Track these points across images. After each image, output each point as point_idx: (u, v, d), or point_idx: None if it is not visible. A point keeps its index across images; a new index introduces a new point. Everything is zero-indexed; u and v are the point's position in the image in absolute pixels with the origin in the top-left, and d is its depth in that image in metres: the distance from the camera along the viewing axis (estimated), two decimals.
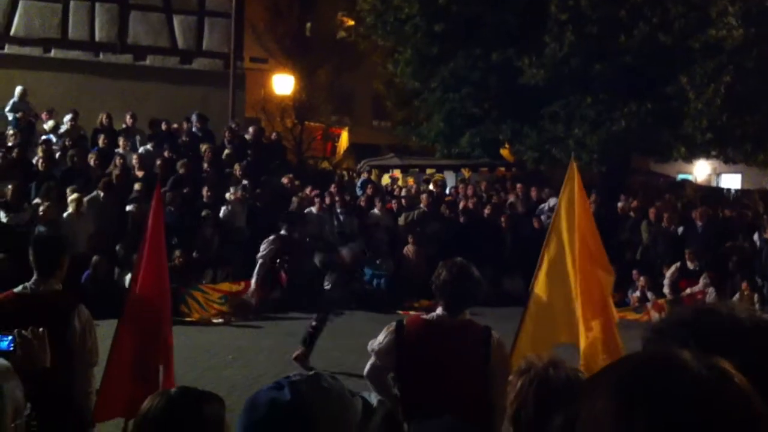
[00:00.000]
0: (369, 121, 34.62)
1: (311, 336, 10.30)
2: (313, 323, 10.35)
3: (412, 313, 12.69)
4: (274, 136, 21.29)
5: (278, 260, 11.00)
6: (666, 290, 15.61)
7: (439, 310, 4.43)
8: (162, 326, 5.64)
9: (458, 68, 21.13)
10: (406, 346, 4.36)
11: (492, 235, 16.82)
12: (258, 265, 11.13)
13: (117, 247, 14.32)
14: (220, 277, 14.95)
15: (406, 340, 4.38)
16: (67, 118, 18.13)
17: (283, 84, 28.08)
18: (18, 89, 18.56)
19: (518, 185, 19.65)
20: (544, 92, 19.76)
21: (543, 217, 17.32)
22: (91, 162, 16.15)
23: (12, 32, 21.33)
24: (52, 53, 21.53)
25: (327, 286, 11.39)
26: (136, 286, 5.62)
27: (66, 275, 4.91)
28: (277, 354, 10.75)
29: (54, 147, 16.64)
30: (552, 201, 17.14)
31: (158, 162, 16.46)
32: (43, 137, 17.25)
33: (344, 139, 33.51)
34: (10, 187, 13.93)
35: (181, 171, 16.26)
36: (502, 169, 25.18)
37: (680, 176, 31.71)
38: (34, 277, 4.73)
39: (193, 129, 18.88)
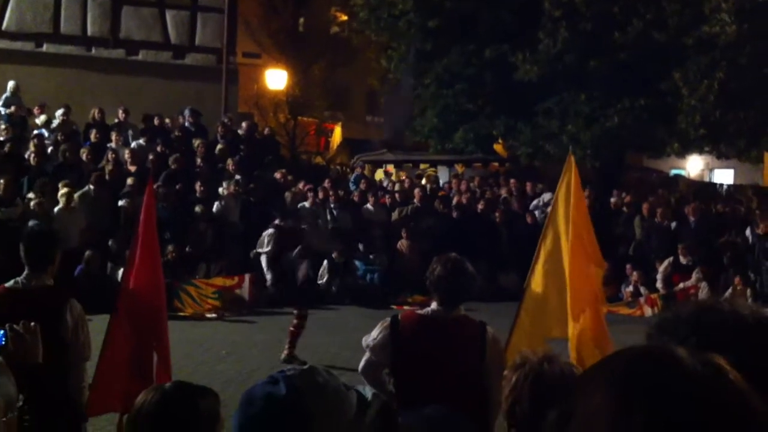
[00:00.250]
0: (362, 116, 34.61)
1: (293, 335, 10.32)
2: (294, 321, 10.38)
3: (406, 308, 12.70)
4: (267, 131, 21.28)
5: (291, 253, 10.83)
6: (659, 285, 15.65)
7: (433, 306, 4.42)
8: (157, 321, 5.62)
9: (452, 64, 21.13)
10: (401, 341, 4.35)
11: (486, 230, 16.83)
12: (264, 260, 10.93)
13: (109, 242, 14.29)
14: (213, 271, 14.93)
15: (400, 336, 4.37)
16: (59, 112, 18.06)
17: (277, 79, 28.05)
18: (10, 84, 18.48)
19: (512, 180, 19.67)
20: (538, 88, 19.78)
21: (537, 213, 17.34)
22: (84, 157, 16.10)
23: (3, 27, 21.23)
24: (44, 48, 21.44)
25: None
26: (129, 280, 5.60)
27: (58, 270, 4.89)
28: (270, 349, 10.74)
29: (46, 142, 16.59)
30: (546, 196, 17.17)
31: (151, 157, 16.42)
32: (35, 132, 17.19)
33: (337, 135, 33.50)
34: (2, 181, 13.88)
35: (173, 166, 16.23)
36: (496, 164, 25.21)
37: (673, 172, 31.80)
38: (26, 271, 4.71)
39: (186, 124, 18.84)
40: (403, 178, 22.06)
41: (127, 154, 16.48)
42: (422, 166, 25.41)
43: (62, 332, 4.57)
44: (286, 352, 10.30)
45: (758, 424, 1.01)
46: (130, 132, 18.21)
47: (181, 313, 13.18)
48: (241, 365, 10.13)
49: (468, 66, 20.90)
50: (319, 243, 11.08)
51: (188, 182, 15.97)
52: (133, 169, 16.00)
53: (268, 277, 10.98)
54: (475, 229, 16.54)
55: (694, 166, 34.39)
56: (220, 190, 16.17)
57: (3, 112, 17.79)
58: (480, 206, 17.73)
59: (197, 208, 15.34)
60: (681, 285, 15.34)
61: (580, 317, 5.77)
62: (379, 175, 24.41)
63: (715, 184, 28.62)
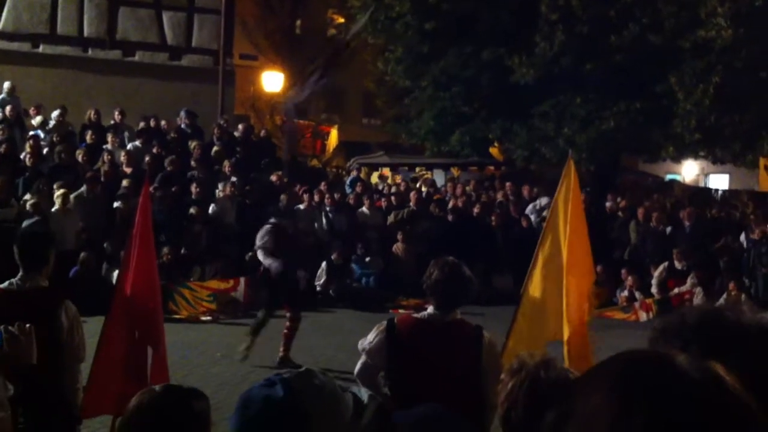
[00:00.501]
0: (359, 118, 34.63)
1: (289, 337, 10.31)
2: (287, 324, 10.37)
3: (401, 311, 12.71)
4: (263, 133, 21.27)
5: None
6: (654, 290, 15.67)
7: (430, 309, 4.42)
8: (153, 323, 5.61)
9: (449, 67, 21.15)
10: (397, 345, 4.35)
11: (481, 233, 16.83)
12: (262, 253, 10.74)
13: (105, 244, 14.26)
14: (208, 274, 14.91)
15: (397, 339, 4.36)
16: (55, 113, 18.05)
17: (273, 81, 28.03)
18: (6, 84, 18.46)
19: (507, 184, 19.68)
20: (535, 91, 19.80)
21: (533, 217, 17.35)
22: (79, 158, 16.09)
23: (0, 27, 21.21)
24: (41, 49, 21.43)
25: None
26: (125, 282, 5.59)
27: (53, 271, 4.88)
28: (266, 351, 10.71)
29: (42, 143, 16.57)
30: (543, 200, 17.18)
31: (147, 159, 16.40)
32: (31, 133, 17.17)
33: (334, 137, 33.49)
34: None
35: (169, 168, 16.21)
36: (492, 167, 25.24)
37: (669, 176, 31.87)
38: (20, 273, 4.69)
39: (182, 125, 18.83)
40: (399, 181, 22.10)
41: (122, 156, 16.45)
42: (418, 169, 25.45)
43: (57, 334, 4.55)
44: (281, 354, 10.30)
45: (756, 428, 1.01)
46: (126, 134, 18.19)
47: (176, 316, 13.16)
48: (236, 368, 10.11)
49: (464, 69, 20.92)
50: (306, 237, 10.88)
51: (184, 184, 15.96)
52: (128, 170, 15.98)
53: (274, 265, 10.61)
54: (470, 232, 16.54)
55: (689, 170, 34.46)
56: (216, 192, 16.16)
57: None
58: (476, 210, 17.74)
59: (192, 210, 15.33)
60: (676, 290, 15.36)
61: (573, 324, 5.78)
62: (375, 178, 24.42)
63: (710, 189, 28.70)
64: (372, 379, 4.40)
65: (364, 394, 1.85)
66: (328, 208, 16.85)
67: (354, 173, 21.87)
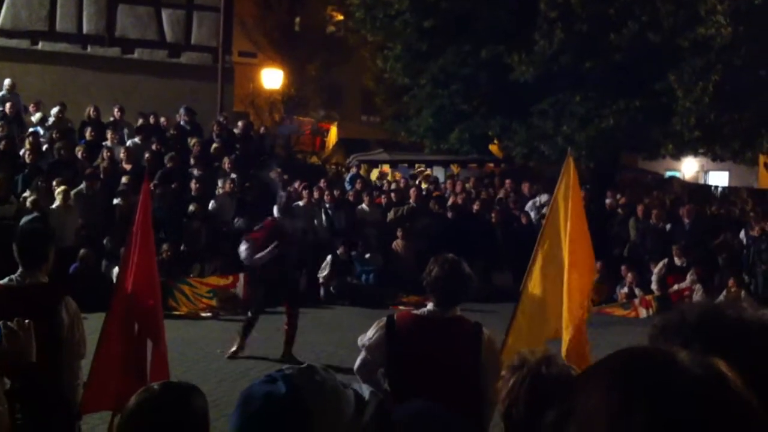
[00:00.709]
0: (358, 116, 34.62)
1: (290, 334, 10.33)
2: (286, 320, 10.40)
3: (401, 308, 12.70)
4: (262, 130, 21.26)
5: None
6: (653, 286, 15.67)
7: (430, 306, 4.43)
8: (154, 320, 5.61)
9: (448, 64, 21.13)
10: (397, 341, 4.35)
11: (481, 230, 16.83)
12: (243, 245, 10.73)
13: (104, 240, 14.26)
14: (208, 270, 14.91)
15: (396, 336, 4.37)
16: (55, 110, 18.05)
17: (272, 78, 28.03)
18: (6, 82, 18.45)
19: (507, 181, 19.68)
20: (534, 89, 19.78)
21: (532, 214, 17.36)
22: (79, 155, 16.08)
23: None
24: (40, 46, 21.41)
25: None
26: (125, 279, 5.58)
27: (53, 268, 4.87)
28: (265, 347, 10.73)
29: (41, 139, 16.56)
30: (543, 197, 17.18)
31: (146, 155, 16.40)
32: (31, 129, 17.16)
33: (333, 134, 33.49)
34: None
35: (169, 165, 16.20)
36: (491, 165, 25.23)
37: (668, 173, 31.88)
38: (20, 269, 4.69)
39: (181, 122, 18.82)
40: (398, 178, 22.07)
41: (122, 153, 16.45)
42: (417, 166, 25.44)
43: (57, 330, 4.55)
44: (284, 350, 10.33)
45: (757, 425, 1.01)
46: (126, 130, 18.18)
47: (176, 312, 13.16)
48: (236, 364, 10.12)
49: (463, 66, 20.89)
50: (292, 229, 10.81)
51: (183, 181, 15.95)
52: (128, 167, 15.98)
53: (243, 254, 10.50)
54: (470, 229, 16.54)
55: (689, 167, 34.45)
56: (216, 189, 16.15)
57: None
58: (476, 207, 17.73)
59: (192, 207, 15.33)
60: (675, 286, 15.37)
61: (575, 321, 5.78)
62: (375, 175, 24.41)
63: (710, 186, 28.71)
64: (371, 376, 4.40)
65: (365, 390, 1.85)
66: (327, 205, 16.85)
67: (354, 170, 21.87)
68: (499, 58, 19.92)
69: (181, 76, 21.81)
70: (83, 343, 4.78)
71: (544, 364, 2.69)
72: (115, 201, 14.80)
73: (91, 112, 18.06)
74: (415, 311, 4.60)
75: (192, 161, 16.89)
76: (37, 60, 20.88)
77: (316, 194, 16.82)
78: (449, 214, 17.37)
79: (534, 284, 6.08)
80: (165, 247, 13.92)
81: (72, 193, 14.35)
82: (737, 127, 19.08)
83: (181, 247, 14.83)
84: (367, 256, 16.19)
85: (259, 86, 28.52)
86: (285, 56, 29.59)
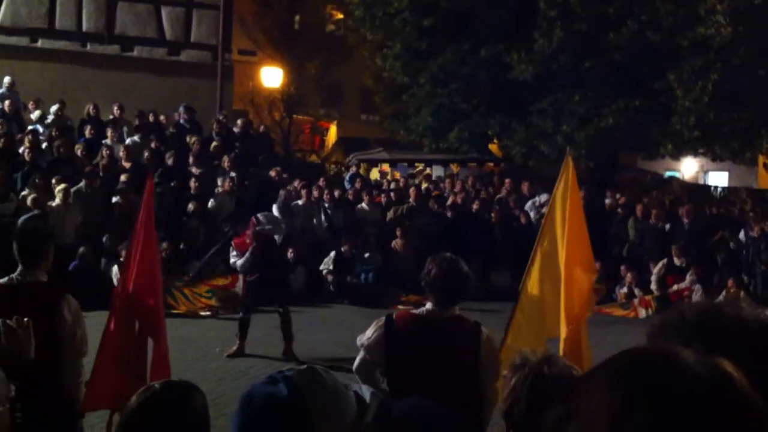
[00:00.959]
0: (357, 114, 34.61)
1: (286, 331, 10.34)
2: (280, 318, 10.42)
3: (400, 306, 12.70)
4: (262, 128, 21.25)
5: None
6: (653, 286, 15.67)
7: (428, 305, 4.42)
8: (155, 319, 5.60)
9: (447, 63, 21.13)
10: (396, 340, 4.34)
11: (480, 230, 16.82)
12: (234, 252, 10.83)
13: (104, 238, 14.25)
14: (206, 269, 14.88)
15: (395, 335, 4.36)
16: (54, 108, 18.05)
17: (272, 77, 28.02)
18: (6, 79, 18.44)
19: (507, 180, 19.68)
20: (533, 88, 19.79)
21: (532, 213, 17.35)
22: (78, 152, 16.08)
23: None
24: (39, 43, 21.40)
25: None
26: (128, 278, 5.57)
27: (52, 266, 4.87)
28: (264, 346, 10.73)
29: (40, 137, 16.55)
30: (543, 197, 17.17)
31: (146, 154, 16.39)
32: (30, 127, 17.15)
33: (332, 133, 33.47)
34: None
35: (170, 162, 16.20)
36: (491, 164, 25.22)
37: (668, 173, 31.87)
38: (20, 268, 4.68)
39: (181, 121, 18.82)
40: (398, 177, 22.06)
41: (121, 151, 16.45)
42: (417, 165, 25.44)
43: (58, 328, 4.55)
44: (285, 347, 10.36)
45: (760, 426, 1.01)
46: (125, 128, 18.18)
47: (175, 311, 13.14)
48: (235, 363, 10.12)
49: (463, 65, 20.90)
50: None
51: (183, 179, 15.94)
52: (127, 165, 15.97)
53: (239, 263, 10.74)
54: (469, 228, 16.53)
55: (688, 167, 34.45)
56: (216, 188, 16.16)
57: None
58: (475, 206, 17.73)
59: (191, 206, 15.32)
60: (675, 287, 15.37)
61: (572, 320, 5.78)
62: (375, 174, 24.40)
63: (709, 186, 28.72)
64: (370, 375, 4.40)
65: (366, 392, 1.85)
66: (326, 204, 16.84)
67: (353, 169, 21.87)
68: (498, 57, 19.92)
69: (181, 74, 21.80)
70: (85, 341, 4.78)
71: (546, 364, 2.70)
72: (114, 199, 14.79)
73: (90, 110, 18.06)
74: (414, 311, 4.60)
75: (191, 159, 16.89)
76: (36, 57, 20.87)
77: (315, 193, 16.82)
78: (448, 214, 17.36)
79: (533, 284, 6.07)
80: (164, 245, 13.90)
81: (71, 191, 14.34)
82: (736, 126, 19.10)
83: (181, 246, 14.82)
84: (367, 255, 16.18)
85: (259, 84, 28.50)
86: (284, 54, 29.58)
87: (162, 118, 18.81)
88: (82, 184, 14.73)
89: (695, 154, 23.13)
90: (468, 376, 4.27)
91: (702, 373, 1.02)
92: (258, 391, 1.67)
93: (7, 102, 17.55)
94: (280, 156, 22.85)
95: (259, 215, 10.78)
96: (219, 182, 16.27)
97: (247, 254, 10.42)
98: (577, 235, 5.99)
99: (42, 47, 21.31)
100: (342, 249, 15.75)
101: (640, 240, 17.13)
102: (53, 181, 14.36)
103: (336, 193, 17.33)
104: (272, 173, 17.60)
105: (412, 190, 18.32)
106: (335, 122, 33.48)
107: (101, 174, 15.34)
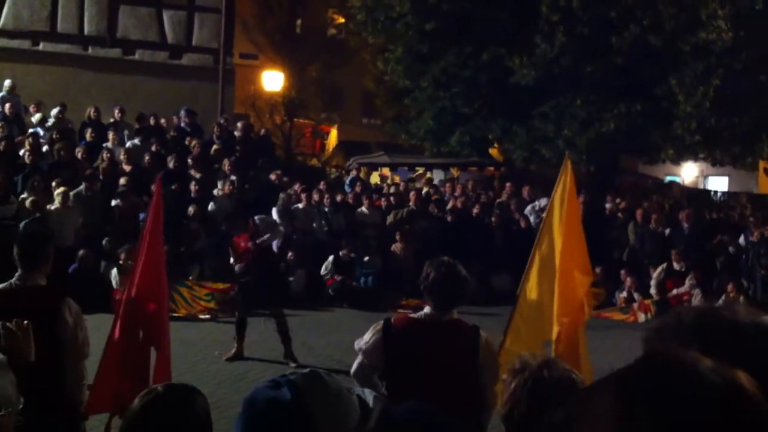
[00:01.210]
0: (358, 118, 34.62)
1: (282, 334, 10.35)
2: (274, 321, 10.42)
3: (400, 311, 12.69)
4: (263, 132, 21.26)
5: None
6: (652, 291, 15.67)
7: (427, 309, 4.41)
8: (159, 323, 5.60)
9: (449, 67, 21.14)
10: (394, 344, 4.34)
11: (480, 233, 16.82)
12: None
13: (103, 241, 14.25)
14: (207, 272, 14.89)
15: (393, 339, 4.35)
16: (55, 111, 18.05)
17: (273, 80, 28.03)
18: (6, 82, 18.45)
19: (507, 184, 19.68)
20: (535, 92, 19.79)
21: (532, 218, 17.34)
22: (79, 155, 16.08)
23: (0, 25, 21.20)
24: (41, 46, 21.42)
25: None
26: (131, 282, 5.57)
27: (52, 269, 4.87)
28: (263, 350, 10.73)
29: (41, 140, 16.55)
30: (543, 201, 17.16)
31: (147, 157, 16.40)
32: (31, 130, 17.16)
33: (333, 137, 33.49)
34: None
35: (172, 166, 16.20)
36: (491, 168, 25.22)
37: (668, 178, 31.88)
38: (19, 272, 4.68)
39: (182, 124, 18.83)
40: (398, 180, 22.06)
41: (122, 154, 16.45)
42: (418, 169, 25.43)
43: (60, 331, 4.56)
44: (284, 349, 10.35)
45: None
46: (126, 132, 18.19)
47: (174, 314, 13.11)
48: (234, 366, 10.12)
49: (464, 69, 20.91)
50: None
51: (183, 182, 15.94)
52: (128, 168, 15.97)
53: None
54: (469, 232, 16.53)
55: (688, 172, 34.45)
56: (215, 191, 16.15)
57: None
58: (476, 210, 17.73)
59: (191, 209, 15.32)
60: (674, 291, 15.36)
61: (563, 321, 5.77)
62: (375, 178, 24.40)
63: (709, 191, 28.70)
64: (368, 379, 4.39)
65: (369, 395, 1.85)
66: (327, 208, 16.84)
67: (353, 173, 21.87)
68: (500, 60, 19.94)
69: (182, 77, 21.83)
70: (86, 343, 4.79)
71: (546, 368, 2.70)
72: (114, 202, 14.79)
73: (91, 113, 18.07)
74: (412, 314, 4.59)
75: (191, 162, 16.87)
76: (38, 60, 20.90)
77: (315, 197, 16.82)
78: (449, 218, 17.37)
79: (531, 287, 6.07)
80: (165, 248, 13.88)
81: (71, 194, 14.34)
82: (737, 131, 19.11)
83: (181, 249, 14.82)
84: (367, 258, 16.18)
85: (260, 88, 28.51)
86: (286, 58, 29.61)
87: (163, 121, 18.83)
88: (82, 187, 14.73)
89: (696, 158, 23.15)
90: (467, 379, 4.27)
91: (714, 381, 1.02)
92: (261, 394, 1.67)
93: (7, 105, 17.55)
94: (280, 159, 22.87)
95: (256, 218, 10.79)
96: (219, 185, 16.27)
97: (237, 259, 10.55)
98: (574, 238, 5.99)
99: (44, 50, 21.34)
100: (341, 253, 15.75)
101: (640, 244, 17.13)
102: (53, 184, 14.36)
103: (337, 197, 17.33)
104: (273, 176, 17.61)
105: (412, 194, 18.32)
106: (336, 126, 33.51)
107: (101, 177, 15.34)
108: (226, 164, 16.90)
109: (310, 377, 1.71)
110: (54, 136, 16.76)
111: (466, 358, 4.29)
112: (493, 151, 24.82)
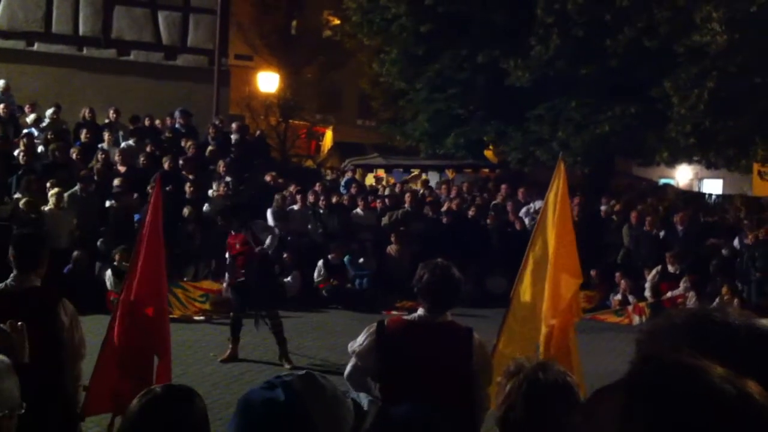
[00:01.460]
0: (354, 120, 34.64)
1: (278, 335, 10.34)
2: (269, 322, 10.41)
3: (394, 312, 12.70)
4: (258, 133, 21.25)
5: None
6: (647, 293, 15.67)
7: (421, 311, 4.41)
8: (160, 324, 5.59)
9: (444, 69, 21.16)
10: (387, 347, 4.33)
11: (476, 235, 16.83)
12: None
13: (98, 242, 14.23)
14: (201, 273, 14.89)
15: (386, 341, 4.34)
16: (50, 111, 18.02)
17: (268, 81, 28.04)
18: (1, 83, 18.43)
19: (503, 186, 19.70)
20: (530, 94, 19.83)
21: (527, 220, 17.35)
22: (74, 156, 16.06)
23: None
24: (36, 47, 21.38)
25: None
26: (130, 285, 5.55)
27: (47, 270, 4.87)
28: (258, 351, 10.73)
29: (36, 141, 16.52)
30: (538, 203, 17.17)
31: (142, 158, 16.38)
32: (25, 131, 17.13)
33: (329, 138, 33.50)
34: None
35: (166, 166, 16.18)
36: (486, 170, 25.25)
37: (662, 181, 31.92)
38: (14, 273, 4.68)
39: (177, 125, 18.81)
40: (393, 182, 22.07)
41: (117, 155, 16.43)
42: (413, 171, 25.46)
43: (56, 331, 4.56)
44: (279, 351, 10.34)
45: None
46: (121, 132, 18.16)
47: (169, 315, 13.10)
48: (230, 367, 10.11)
49: (460, 71, 20.94)
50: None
51: (178, 184, 15.93)
52: (122, 169, 15.95)
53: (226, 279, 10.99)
54: (464, 234, 16.54)
55: (683, 175, 34.53)
56: (210, 192, 16.13)
57: None
58: (471, 212, 17.73)
59: (186, 210, 15.31)
60: (669, 293, 15.37)
61: (551, 323, 5.78)
62: (370, 179, 24.41)
63: (704, 194, 28.74)
64: (362, 382, 4.38)
65: (364, 399, 1.85)
66: (321, 210, 16.83)
67: (349, 174, 21.87)
68: (495, 63, 19.97)
69: (177, 78, 21.80)
70: (83, 344, 4.79)
71: (541, 370, 2.70)
72: (109, 203, 14.77)
73: (86, 114, 18.06)
74: (406, 316, 4.59)
75: (181, 163, 16.79)
76: (32, 61, 20.85)
77: (310, 198, 16.82)
78: (444, 219, 17.38)
79: (524, 289, 6.07)
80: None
81: (66, 195, 14.31)
82: (732, 134, 19.13)
83: (176, 250, 14.80)
84: (362, 260, 16.18)
85: (255, 89, 28.52)
86: (281, 60, 29.62)
87: (158, 122, 18.81)
88: (77, 187, 14.70)
89: (690, 161, 23.18)
90: (460, 381, 4.27)
91: (724, 388, 1.02)
92: (256, 396, 1.67)
93: (2, 105, 17.51)
94: (276, 161, 22.86)
95: (253, 227, 10.76)
96: (214, 187, 16.25)
97: (230, 260, 10.61)
98: (565, 240, 6.00)
99: (38, 51, 21.29)
100: (329, 257, 15.73)
101: (635, 247, 17.15)
102: (48, 185, 14.32)
103: (332, 199, 17.33)
104: (268, 178, 17.60)
105: (407, 196, 18.33)
106: (331, 127, 33.52)
107: (96, 178, 15.32)
108: (221, 165, 16.89)
109: (306, 379, 1.71)
110: (49, 136, 16.72)
111: (460, 360, 4.29)
112: (489, 153, 24.86)
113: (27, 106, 18.43)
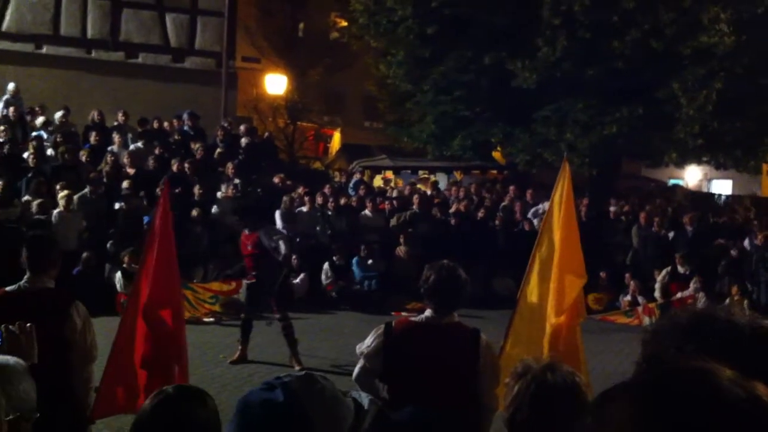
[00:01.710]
0: (361, 122, 34.63)
1: (288, 337, 10.34)
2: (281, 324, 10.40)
3: (403, 314, 12.69)
4: (266, 135, 21.28)
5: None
6: (656, 294, 15.64)
7: (427, 312, 4.41)
8: (176, 327, 5.58)
9: (450, 70, 21.15)
10: (395, 348, 4.33)
11: (483, 236, 16.82)
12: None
13: (107, 244, 14.27)
14: (210, 275, 14.91)
15: (394, 343, 4.35)
16: (58, 114, 18.07)
17: (276, 84, 28.06)
18: (10, 86, 18.49)
19: (511, 187, 19.68)
20: (536, 95, 19.80)
21: (536, 221, 17.33)
22: (83, 158, 16.11)
23: (3, 28, 21.26)
24: (44, 49, 21.46)
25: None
26: (141, 288, 5.55)
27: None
28: (267, 353, 10.74)
29: (45, 143, 16.58)
30: (546, 205, 17.14)
31: (151, 161, 16.42)
32: (34, 133, 17.19)
33: (336, 140, 33.51)
34: (0, 183, 13.87)
35: (175, 169, 16.22)
36: (494, 171, 25.22)
37: (671, 182, 31.86)
38: (27, 275, 4.71)
39: (185, 127, 18.85)
40: (401, 184, 22.06)
41: (125, 157, 16.48)
42: (421, 172, 25.45)
43: (68, 333, 4.58)
44: (290, 352, 10.34)
45: None
46: (130, 135, 18.22)
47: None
48: (238, 369, 10.12)
49: (466, 73, 20.92)
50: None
51: (187, 186, 15.97)
52: (131, 171, 16.00)
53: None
54: (472, 235, 16.53)
55: (692, 176, 34.43)
56: (218, 194, 16.16)
57: (2, 114, 17.78)
58: (480, 214, 17.72)
59: (194, 212, 15.34)
60: (678, 294, 15.33)
61: (554, 322, 5.77)
62: (378, 181, 24.41)
63: (713, 195, 28.68)
64: (370, 383, 4.38)
65: (364, 398, 1.85)
66: (330, 212, 16.84)
67: (357, 176, 21.88)
68: (501, 64, 19.94)
69: (185, 80, 21.86)
70: (94, 346, 4.81)
71: (549, 371, 2.70)
72: (118, 205, 14.81)
73: (95, 116, 18.11)
74: (413, 318, 4.60)
75: (186, 166, 16.77)
76: (41, 64, 20.94)
77: (319, 200, 16.84)
78: (452, 221, 17.37)
79: (531, 289, 6.06)
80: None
81: (75, 197, 14.36)
82: (740, 134, 19.10)
83: (185, 252, 14.84)
84: (370, 262, 16.18)
85: (263, 92, 28.53)
86: (288, 62, 29.64)
87: (166, 124, 18.86)
88: (86, 190, 14.75)
89: (699, 162, 23.13)
90: (467, 382, 4.27)
91: (736, 392, 1.02)
92: (255, 397, 1.67)
93: (11, 108, 17.59)
94: (284, 163, 22.88)
95: (262, 232, 10.66)
96: (222, 189, 16.29)
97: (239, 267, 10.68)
98: (569, 241, 5.99)
99: (47, 53, 21.38)
100: (333, 258, 15.75)
101: (644, 248, 17.11)
102: (57, 187, 14.38)
103: (341, 201, 17.34)
104: (276, 180, 17.62)
105: (415, 198, 18.32)
106: (339, 129, 33.52)
107: (105, 180, 15.37)
108: (229, 167, 16.93)
109: (304, 379, 1.71)
110: (58, 139, 16.78)
111: (467, 362, 4.29)
112: (496, 155, 24.83)
113: (36, 108, 18.49)
